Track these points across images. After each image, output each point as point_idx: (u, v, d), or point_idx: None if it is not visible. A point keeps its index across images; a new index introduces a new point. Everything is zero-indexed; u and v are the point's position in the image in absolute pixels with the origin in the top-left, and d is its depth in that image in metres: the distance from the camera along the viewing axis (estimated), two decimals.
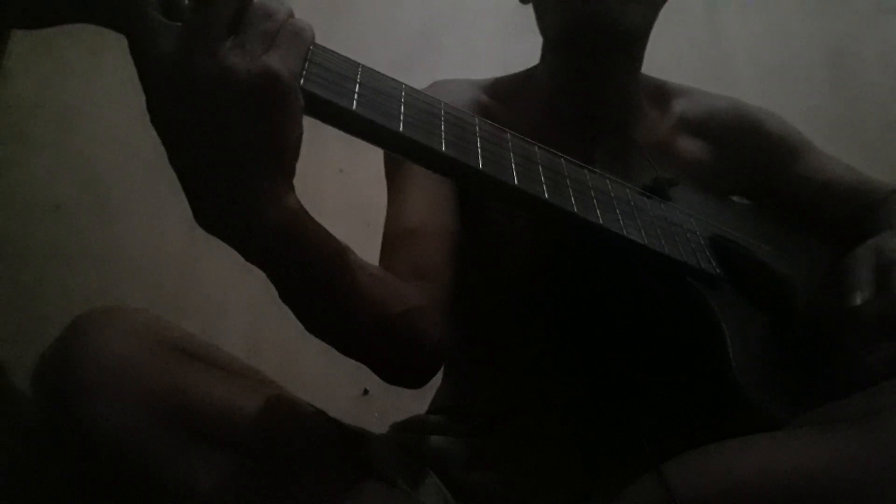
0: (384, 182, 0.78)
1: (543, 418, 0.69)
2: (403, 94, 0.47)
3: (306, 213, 0.47)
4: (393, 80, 0.47)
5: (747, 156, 0.83)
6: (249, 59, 0.39)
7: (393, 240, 0.68)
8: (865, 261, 0.60)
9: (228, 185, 0.41)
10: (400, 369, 0.60)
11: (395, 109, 0.46)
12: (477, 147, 0.50)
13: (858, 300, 0.57)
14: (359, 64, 0.46)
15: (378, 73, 0.46)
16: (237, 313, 1.33)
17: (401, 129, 0.45)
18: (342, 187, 1.50)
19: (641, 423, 0.62)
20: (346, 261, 0.50)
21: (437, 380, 0.84)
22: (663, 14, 0.76)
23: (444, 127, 0.48)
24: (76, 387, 0.44)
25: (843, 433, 0.49)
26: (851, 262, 0.60)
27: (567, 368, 0.70)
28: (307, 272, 0.48)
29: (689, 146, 0.81)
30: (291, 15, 0.43)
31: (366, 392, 1.28)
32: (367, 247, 0.67)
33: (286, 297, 0.49)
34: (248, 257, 0.45)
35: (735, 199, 0.84)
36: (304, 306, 0.50)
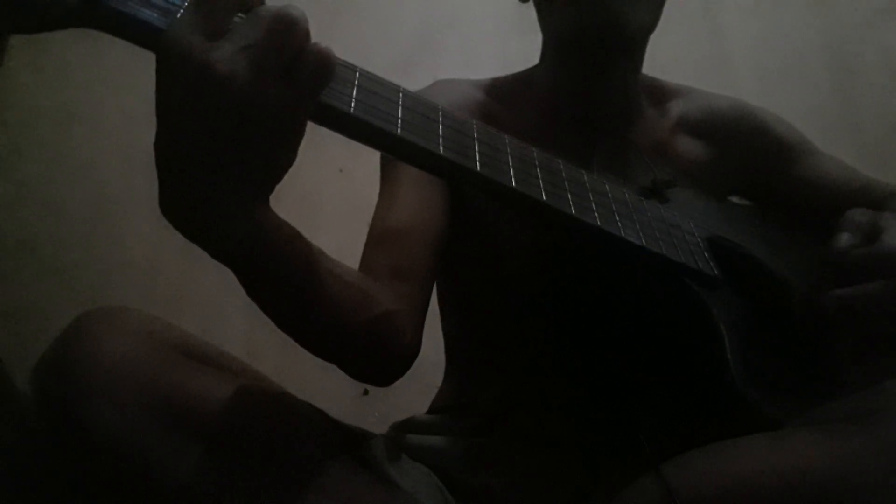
0: None
1: (544, 418, 0.69)
2: (401, 97, 0.47)
3: (277, 222, 0.46)
4: (390, 83, 0.47)
5: (748, 156, 0.83)
6: (264, 80, 0.38)
7: (377, 238, 0.68)
8: (859, 215, 0.62)
9: (202, 188, 0.41)
10: (366, 370, 0.61)
11: (392, 113, 0.46)
12: (475, 150, 0.50)
13: (842, 243, 0.60)
14: (356, 67, 0.46)
15: (375, 76, 0.47)
16: (237, 313, 1.34)
17: (398, 132, 0.45)
18: (342, 187, 1.50)
19: (641, 423, 0.62)
20: (315, 269, 0.51)
21: (439, 380, 0.84)
22: (663, 14, 0.76)
23: (442, 130, 0.48)
24: (76, 387, 0.44)
25: (843, 433, 0.49)
26: (847, 216, 0.63)
27: (567, 368, 0.70)
28: (270, 278, 0.48)
29: (689, 146, 0.81)
30: (308, 34, 0.40)
31: (366, 392, 1.28)
32: None
33: (250, 295, 0.50)
34: (210, 255, 0.45)
35: (735, 199, 0.83)
36: (268, 307, 0.51)
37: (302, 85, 0.40)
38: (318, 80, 0.40)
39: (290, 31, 0.39)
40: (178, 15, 0.38)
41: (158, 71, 0.38)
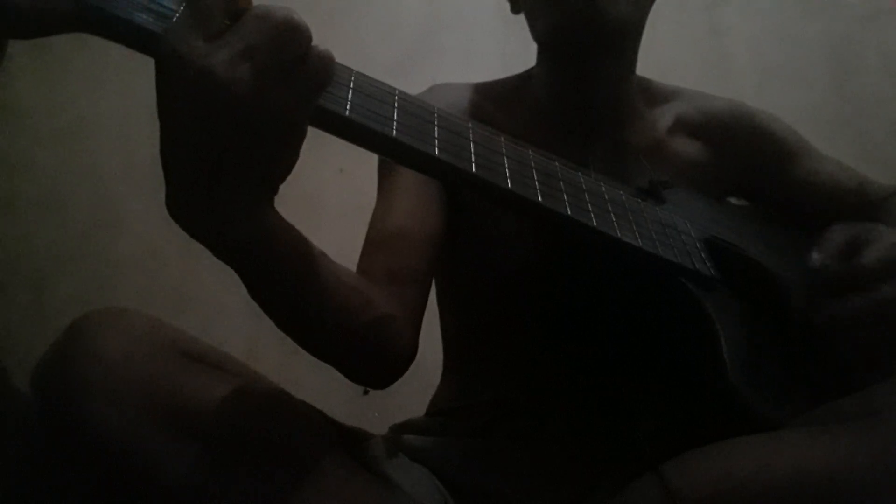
0: None
1: (543, 418, 0.70)
2: (396, 100, 0.47)
3: (280, 224, 0.47)
4: (386, 86, 0.47)
5: (745, 157, 0.82)
6: (265, 85, 0.38)
7: (375, 242, 0.68)
8: (842, 231, 0.60)
9: (205, 190, 0.40)
10: (363, 372, 0.61)
11: (387, 115, 0.46)
12: (470, 151, 0.50)
13: (819, 260, 0.58)
14: (352, 70, 0.46)
15: (371, 78, 0.47)
16: (237, 313, 1.34)
17: (394, 134, 0.45)
18: (342, 187, 1.50)
19: (641, 422, 0.62)
20: (316, 271, 0.51)
21: (438, 380, 0.84)
22: (663, 14, 0.76)
23: (437, 132, 0.48)
24: (76, 388, 0.44)
25: (843, 433, 0.49)
26: (829, 231, 0.61)
27: (566, 369, 0.70)
28: (272, 279, 0.48)
29: (686, 148, 0.81)
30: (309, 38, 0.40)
31: (366, 392, 1.28)
32: None
33: (252, 294, 0.50)
34: (214, 254, 0.45)
35: (732, 200, 0.83)
36: (268, 307, 0.51)
37: (303, 88, 0.39)
38: (319, 84, 0.40)
39: (294, 35, 0.38)
40: (174, 18, 0.38)
41: (158, 75, 0.38)
